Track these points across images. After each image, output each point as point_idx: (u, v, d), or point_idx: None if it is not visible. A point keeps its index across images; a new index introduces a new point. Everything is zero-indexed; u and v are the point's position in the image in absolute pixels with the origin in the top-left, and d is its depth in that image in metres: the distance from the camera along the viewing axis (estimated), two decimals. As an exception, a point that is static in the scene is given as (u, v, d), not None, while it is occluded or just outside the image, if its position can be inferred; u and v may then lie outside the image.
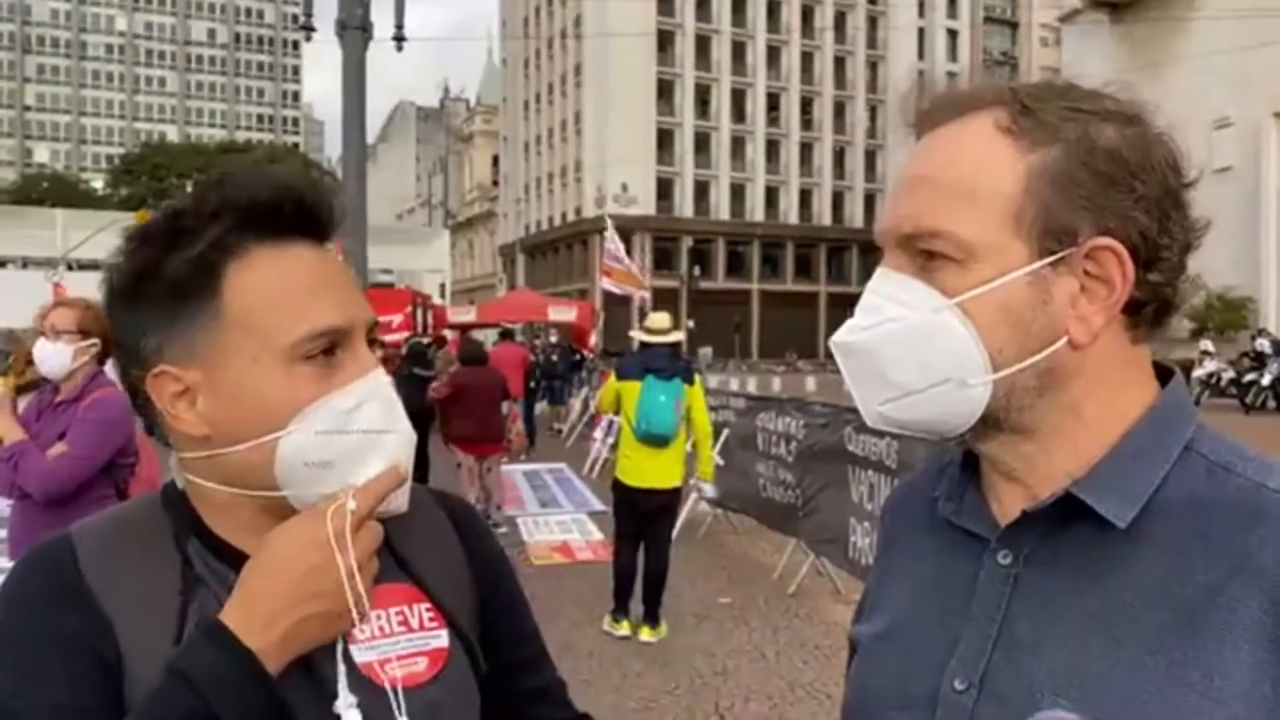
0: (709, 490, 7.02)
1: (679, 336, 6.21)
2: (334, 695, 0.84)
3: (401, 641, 0.91)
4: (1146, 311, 0.78)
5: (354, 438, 0.85)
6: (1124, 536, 0.75)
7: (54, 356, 3.39)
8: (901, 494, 1.01)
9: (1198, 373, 22.31)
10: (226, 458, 0.85)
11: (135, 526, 0.90)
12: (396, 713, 0.86)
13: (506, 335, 16.55)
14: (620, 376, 6.01)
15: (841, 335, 0.81)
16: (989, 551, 0.80)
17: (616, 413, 6.22)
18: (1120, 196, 0.74)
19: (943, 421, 0.79)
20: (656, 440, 5.74)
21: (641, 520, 5.91)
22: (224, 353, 0.84)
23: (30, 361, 4.12)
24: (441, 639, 0.93)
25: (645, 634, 5.86)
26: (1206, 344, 23.43)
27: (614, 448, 12.40)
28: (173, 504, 0.91)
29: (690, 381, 5.97)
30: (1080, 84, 0.80)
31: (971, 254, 0.76)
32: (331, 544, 0.80)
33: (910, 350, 0.77)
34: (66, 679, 0.80)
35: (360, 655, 0.88)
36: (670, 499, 5.97)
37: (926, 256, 0.77)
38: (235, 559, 0.87)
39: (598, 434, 13.05)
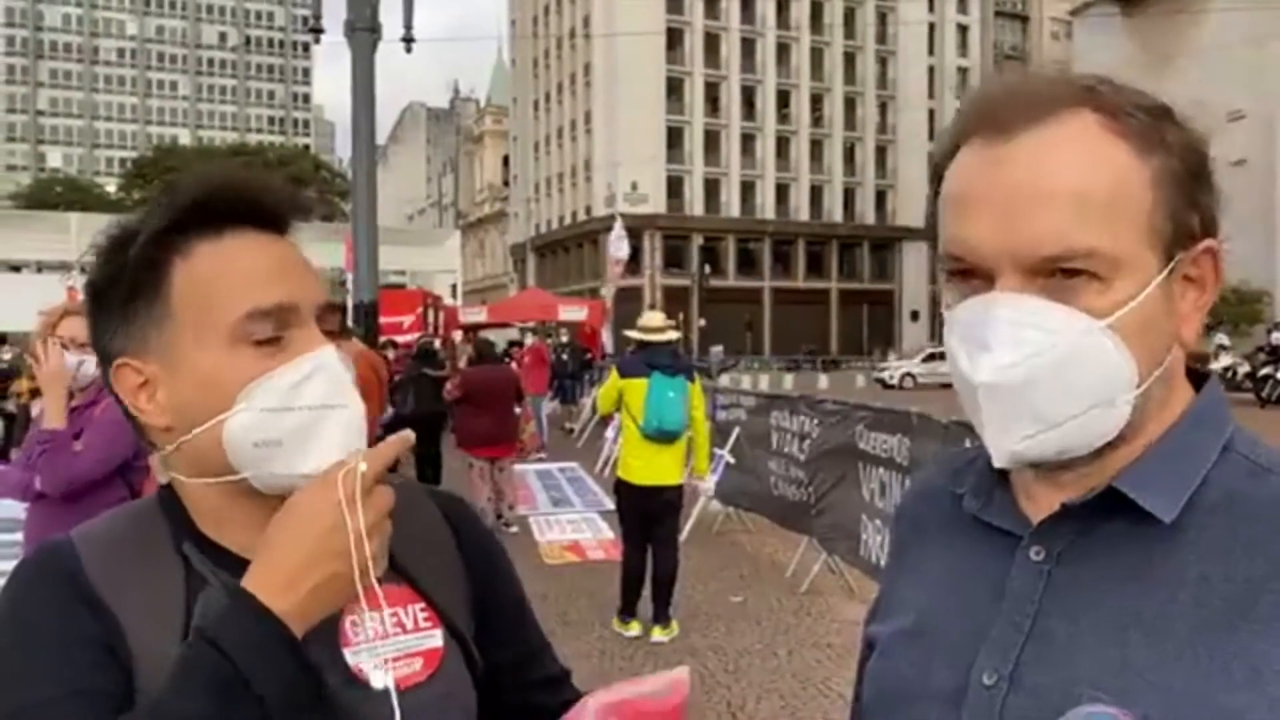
0: (704, 487, 7.09)
1: (675, 335, 6.30)
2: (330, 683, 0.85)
3: (395, 643, 0.92)
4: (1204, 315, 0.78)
5: (301, 414, 0.86)
6: (1164, 532, 0.74)
7: (78, 368, 3.41)
8: (918, 492, 0.99)
9: (1213, 367, 22.17)
10: (189, 445, 0.88)
11: (135, 530, 0.92)
12: (397, 712, 0.86)
13: (537, 333, 16.64)
14: (623, 375, 6.00)
15: (988, 376, 0.73)
16: (1020, 548, 0.79)
17: (616, 411, 6.20)
18: (1209, 198, 0.75)
19: (1078, 446, 0.75)
20: (667, 437, 5.79)
21: (648, 519, 5.92)
22: (174, 342, 0.87)
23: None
24: (436, 639, 0.94)
25: (657, 634, 5.87)
26: (1222, 338, 23.32)
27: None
28: (168, 505, 0.93)
29: (692, 379, 6.06)
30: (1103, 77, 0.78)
31: (1117, 270, 0.72)
32: (343, 506, 0.81)
33: (1062, 378, 0.73)
34: (89, 667, 0.82)
35: (354, 659, 0.89)
36: (675, 495, 6.00)
37: (1064, 275, 0.72)
38: (223, 558, 0.89)
39: (609, 433, 13.04)
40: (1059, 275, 0.72)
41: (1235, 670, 0.68)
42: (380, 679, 0.87)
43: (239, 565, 0.87)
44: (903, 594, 0.92)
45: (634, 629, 5.92)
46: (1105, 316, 0.72)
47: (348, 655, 0.89)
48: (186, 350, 0.87)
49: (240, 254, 0.88)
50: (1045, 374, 0.72)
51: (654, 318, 6.33)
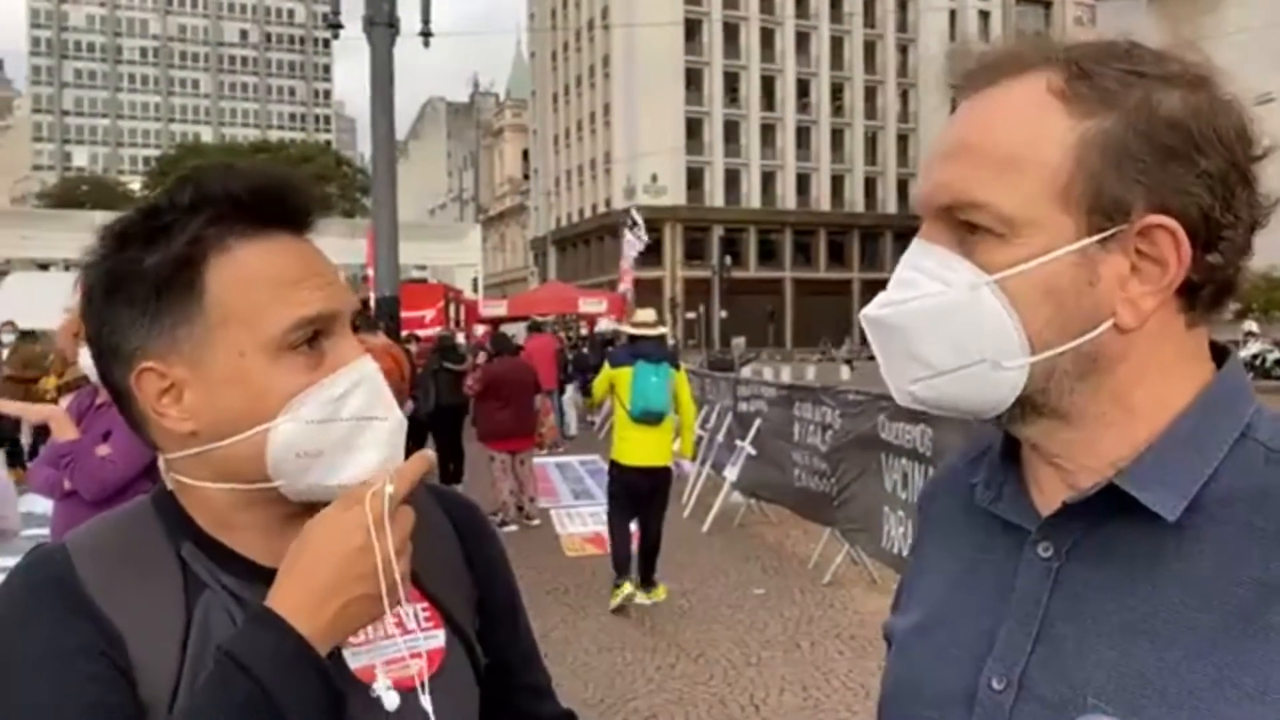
0: (687, 466, 7.80)
1: (664, 330, 7.14)
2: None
3: (398, 644, 0.91)
4: (1204, 294, 0.72)
5: (343, 425, 0.84)
6: (1172, 530, 0.69)
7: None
8: (939, 480, 0.96)
9: (1242, 354, 21.87)
10: (215, 453, 0.85)
11: (129, 533, 0.89)
12: (426, 707, 0.87)
13: (536, 328, 16.54)
14: (613, 365, 6.68)
15: (873, 309, 0.76)
16: (1029, 543, 0.76)
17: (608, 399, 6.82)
18: (1180, 171, 0.68)
19: (976, 403, 0.74)
20: (652, 417, 6.31)
21: (638, 498, 6.39)
22: (210, 347, 0.83)
23: (69, 362, 4.21)
24: (438, 639, 0.94)
25: (641, 598, 6.23)
26: (1251, 325, 23.01)
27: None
28: (164, 507, 0.90)
29: (676, 367, 6.67)
30: (1145, 44, 0.73)
31: (1013, 228, 0.70)
32: (370, 528, 0.80)
33: (944, 328, 0.72)
34: (90, 679, 0.79)
35: (355, 660, 0.88)
36: (665, 476, 6.52)
37: (967, 229, 0.72)
38: (229, 561, 0.87)
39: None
40: (964, 228, 0.72)
41: (1241, 680, 0.64)
42: (391, 700, 0.86)
43: (243, 565, 0.87)
44: (919, 587, 0.90)
45: (626, 589, 6.23)
46: (996, 273, 0.71)
47: (348, 656, 0.88)
48: (223, 355, 0.83)
49: (281, 257, 0.85)
50: (928, 318, 0.73)
51: (646, 314, 7.10)
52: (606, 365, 6.85)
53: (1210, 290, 0.72)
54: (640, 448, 6.34)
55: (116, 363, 0.86)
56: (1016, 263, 0.70)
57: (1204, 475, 0.70)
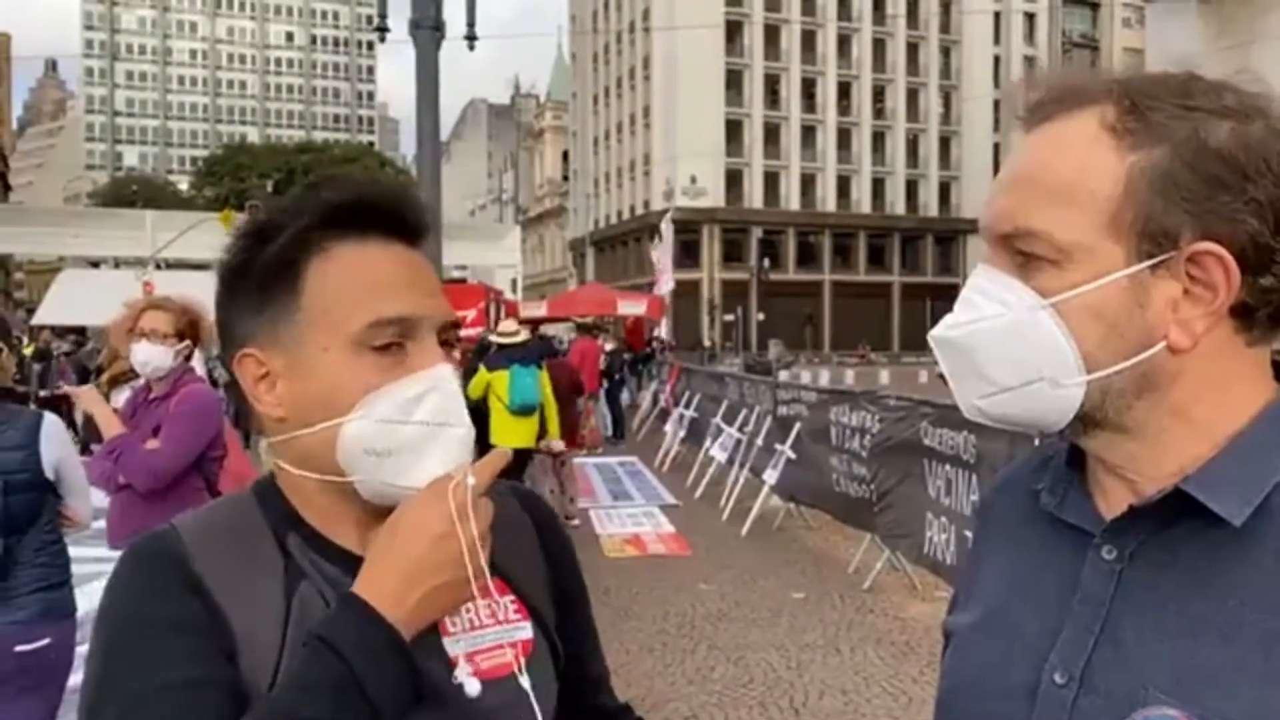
0: (558, 445, 8.67)
1: (525, 336, 8.47)
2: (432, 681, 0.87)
3: (490, 634, 0.95)
4: (1260, 315, 0.75)
5: (414, 428, 0.88)
6: (1235, 535, 0.73)
7: (155, 359, 3.53)
8: (1000, 485, 0.99)
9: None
10: (300, 440, 0.91)
11: (235, 520, 0.94)
12: (526, 686, 0.91)
13: (585, 330, 16.52)
14: (490, 369, 7.89)
15: (940, 330, 0.82)
16: (1093, 546, 0.79)
17: (484, 399, 7.86)
18: (1228, 199, 0.72)
19: (1039, 418, 0.79)
20: (528, 410, 7.75)
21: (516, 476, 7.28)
22: (301, 340, 0.90)
23: (117, 355, 4.31)
24: (526, 630, 0.98)
25: None
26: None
27: (684, 440, 12.41)
28: (268, 497, 0.95)
29: (541, 368, 8.02)
30: (1204, 76, 0.77)
31: (1067, 255, 0.75)
32: (454, 517, 0.84)
33: (1005, 348, 0.77)
34: (196, 657, 0.83)
35: (451, 648, 0.92)
36: (528, 456, 7.99)
37: (1025, 255, 0.77)
38: (330, 551, 0.92)
39: (669, 427, 13.04)
40: (1021, 255, 0.77)
41: None
42: (473, 687, 0.89)
43: (344, 558, 0.91)
44: (979, 587, 0.92)
45: None
46: (1052, 297, 0.76)
47: (446, 644, 0.92)
48: (311, 349, 0.89)
49: (374, 262, 0.91)
50: (989, 339, 0.78)
51: (509, 325, 8.39)
52: (483, 369, 7.95)
53: (1266, 311, 0.75)
54: (515, 434, 7.67)
55: (228, 347, 0.95)
56: (1070, 288, 0.75)
57: (1269, 484, 0.73)
